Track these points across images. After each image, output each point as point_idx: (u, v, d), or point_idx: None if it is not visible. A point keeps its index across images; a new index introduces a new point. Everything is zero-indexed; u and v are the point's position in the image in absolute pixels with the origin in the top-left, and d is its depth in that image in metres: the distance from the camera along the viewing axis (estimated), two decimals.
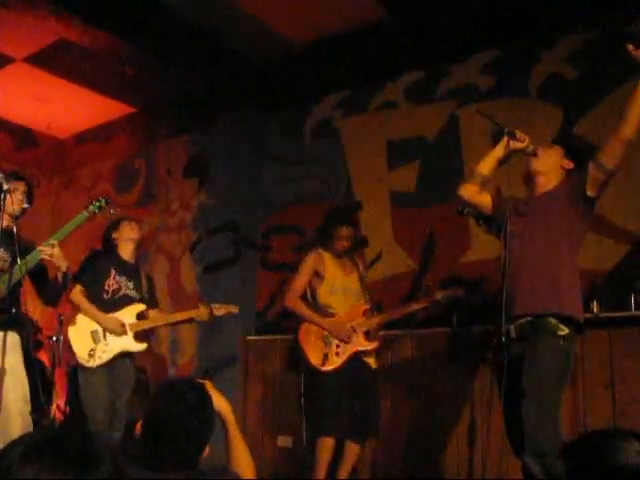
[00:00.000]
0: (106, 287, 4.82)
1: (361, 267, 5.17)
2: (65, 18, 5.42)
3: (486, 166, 3.68)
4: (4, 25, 5.66)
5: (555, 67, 5.14)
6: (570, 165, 3.52)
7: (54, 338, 6.08)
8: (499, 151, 3.63)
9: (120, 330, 4.74)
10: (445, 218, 5.26)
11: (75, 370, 5.01)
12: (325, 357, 4.72)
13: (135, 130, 7.67)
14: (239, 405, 6.15)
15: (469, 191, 3.70)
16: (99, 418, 4.53)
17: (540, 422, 3.14)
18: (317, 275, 4.93)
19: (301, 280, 4.95)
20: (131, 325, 4.81)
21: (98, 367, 4.65)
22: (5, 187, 3.56)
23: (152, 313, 5.05)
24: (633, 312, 4.30)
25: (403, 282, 5.54)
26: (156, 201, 7.35)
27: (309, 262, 4.96)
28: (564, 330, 3.21)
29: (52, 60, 6.30)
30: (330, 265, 4.96)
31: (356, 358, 4.77)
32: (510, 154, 3.60)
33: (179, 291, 6.82)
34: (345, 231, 4.97)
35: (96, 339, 4.70)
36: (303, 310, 4.88)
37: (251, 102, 6.64)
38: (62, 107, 7.38)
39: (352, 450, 4.80)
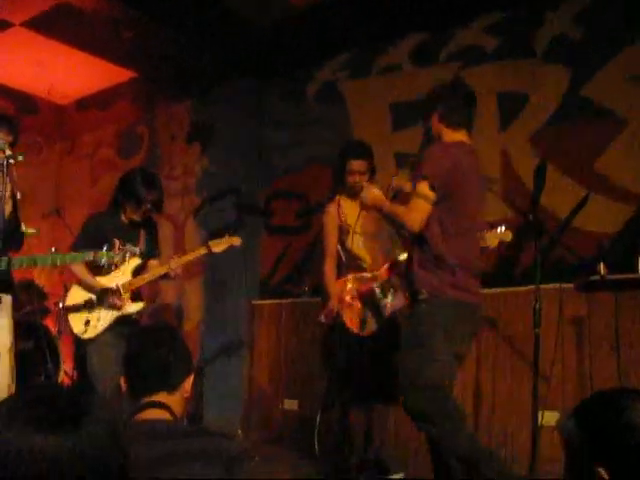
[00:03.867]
0: None
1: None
2: None
3: None
4: None
5: (561, 28, 5.07)
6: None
7: (60, 304, 6.09)
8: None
9: (116, 301, 4.36)
10: None
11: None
12: (363, 322, 4.31)
13: (137, 96, 7.61)
14: (246, 370, 6.20)
15: None
16: (108, 392, 4.08)
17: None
18: (342, 229, 4.47)
19: (330, 239, 4.52)
20: (124, 285, 4.39)
21: (97, 337, 4.33)
22: (8, 152, 3.47)
23: (152, 264, 4.58)
24: None
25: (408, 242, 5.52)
26: (159, 167, 7.32)
27: (329, 217, 4.54)
28: (423, 294, 3.38)
29: (51, 24, 6.22)
30: (348, 210, 4.48)
31: (393, 318, 4.30)
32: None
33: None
34: (356, 164, 4.39)
35: (90, 308, 4.38)
36: (328, 281, 4.47)
37: (253, 66, 6.57)
38: (62, 72, 7.31)
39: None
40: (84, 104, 8.11)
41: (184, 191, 7.08)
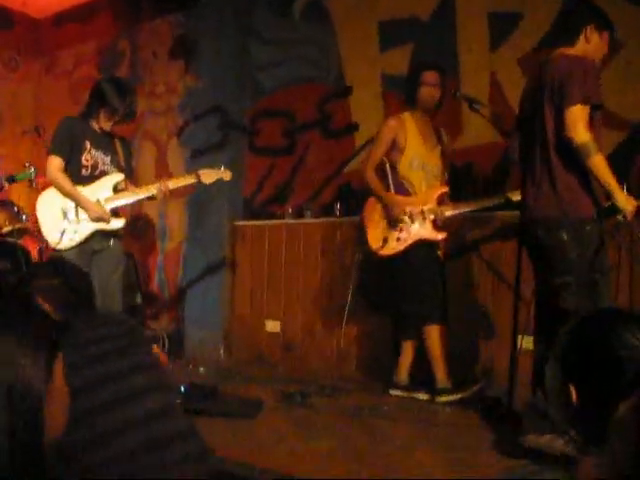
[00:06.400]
0: (83, 162, 4.29)
1: (446, 138, 4.61)
2: None
3: None
4: None
5: None
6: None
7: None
8: None
9: (104, 215, 4.24)
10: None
11: None
12: (385, 240, 4.34)
13: (118, 10, 7.35)
14: (227, 291, 6.18)
15: None
16: None
17: None
18: (395, 147, 4.41)
19: (378, 150, 4.43)
20: (107, 199, 4.29)
21: (72, 249, 4.20)
22: None
23: (130, 185, 4.52)
24: None
25: None
26: (141, 84, 7.13)
27: (387, 129, 4.42)
28: None
29: None
30: (412, 135, 4.42)
31: (423, 247, 4.35)
32: None
33: (167, 176, 6.72)
34: (430, 76, 4.35)
35: (68, 218, 4.23)
36: (374, 183, 4.42)
37: None
38: None
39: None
40: (62, 18, 7.83)
41: (167, 110, 6.91)
